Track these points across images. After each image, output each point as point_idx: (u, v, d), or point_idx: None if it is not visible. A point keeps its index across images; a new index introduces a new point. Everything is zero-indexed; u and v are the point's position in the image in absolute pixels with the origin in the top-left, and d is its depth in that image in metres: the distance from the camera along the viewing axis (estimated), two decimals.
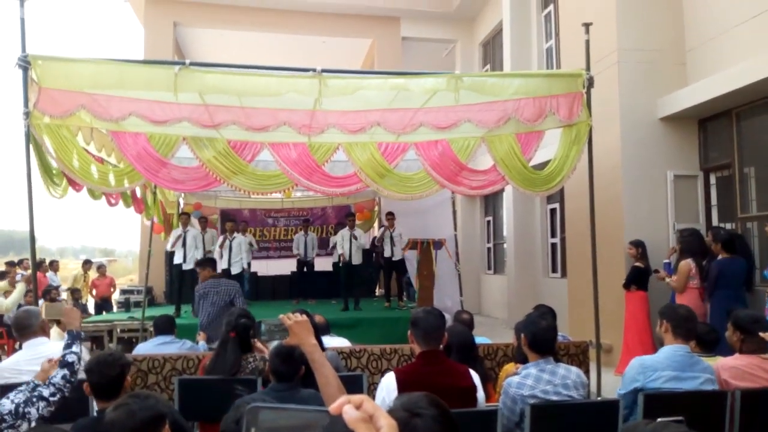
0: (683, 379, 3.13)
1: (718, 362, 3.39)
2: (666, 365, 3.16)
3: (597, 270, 5.34)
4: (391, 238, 9.49)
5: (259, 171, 5.41)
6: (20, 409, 2.54)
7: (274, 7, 12.98)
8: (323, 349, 3.89)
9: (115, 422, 1.91)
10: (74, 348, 2.90)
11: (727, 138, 6.90)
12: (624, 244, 6.96)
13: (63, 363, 2.84)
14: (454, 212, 9.77)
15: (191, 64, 4.81)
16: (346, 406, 0.69)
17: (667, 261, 6.72)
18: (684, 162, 7.30)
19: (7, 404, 2.49)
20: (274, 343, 2.85)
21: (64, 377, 2.78)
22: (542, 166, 5.80)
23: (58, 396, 2.77)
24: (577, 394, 3.01)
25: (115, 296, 11.83)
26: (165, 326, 4.89)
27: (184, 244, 8.91)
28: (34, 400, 2.64)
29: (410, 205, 10.06)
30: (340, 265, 9.80)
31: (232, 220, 10.00)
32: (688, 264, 5.87)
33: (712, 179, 7.27)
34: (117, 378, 2.59)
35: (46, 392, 2.68)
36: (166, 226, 9.52)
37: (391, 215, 9.59)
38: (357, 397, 0.70)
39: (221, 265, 9.36)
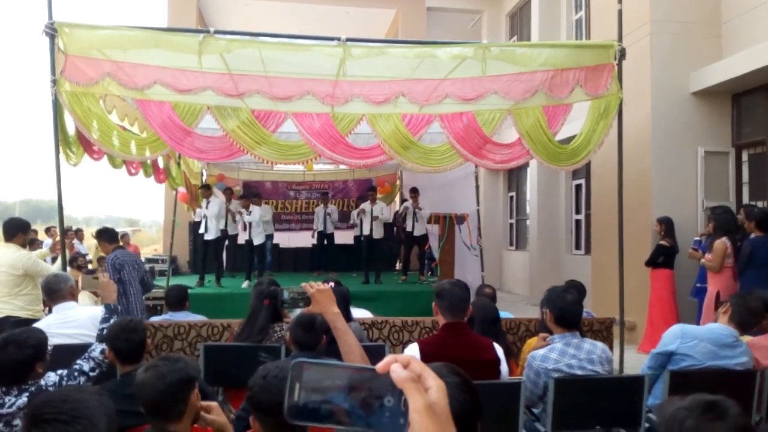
0: (720, 357, 3.08)
1: (749, 340, 3.33)
2: (706, 337, 3.11)
3: (623, 247, 5.26)
4: (414, 213, 9.44)
5: (282, 141, 5.40)
6: (63, 382, 2.62)
7: None
8: (350, 319, 3.92)
9: (146, 383, 1.93)
10: (112, 322, 2.94)
11: (761, 114, 6.68)
12: (651, 221, 6.84)
13: (101, 337, 2.90)
14: (477, 187, 9.66)
15: (216, 32, 4.77)
16: (393, 365, 0.67)
17: (697, 239, 6.58)
18: (715, 138, 7.10)
19: (52, 377, 2.56)
20: (297, 312, 2.86)
21: (102, 351, 2.83)
22: (569, 140, 5.69)
23: (97, 371, 2.87)
24: (602, 369, 2.99)
25: None
26: (176, 300, 4.69)
27: (205, 216, 8.98)
28: (75, 374, 2.74)
29: (433, 180, 10.00)
30: (362, 238, 9.81)
31: (243, 196, 10.00)
32: (723, 243, 5.71)
33: (744, 156, 7.07)
34: (141, 342, 2.68)
35: (86, 366, 2.76)
36: (190, 197, 9.60)
37: (414, 191, 9.53)
38: (404, 357, 0.68)
39: (244, 236, 9.44)
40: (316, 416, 0.66)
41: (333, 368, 0.68)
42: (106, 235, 5.40)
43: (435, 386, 0.67)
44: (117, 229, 6.07)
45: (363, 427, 0.66)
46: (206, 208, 8.94)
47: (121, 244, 5.68)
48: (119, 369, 2.70)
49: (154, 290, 8.58)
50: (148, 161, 6.81)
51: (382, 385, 0.66)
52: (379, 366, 0.67)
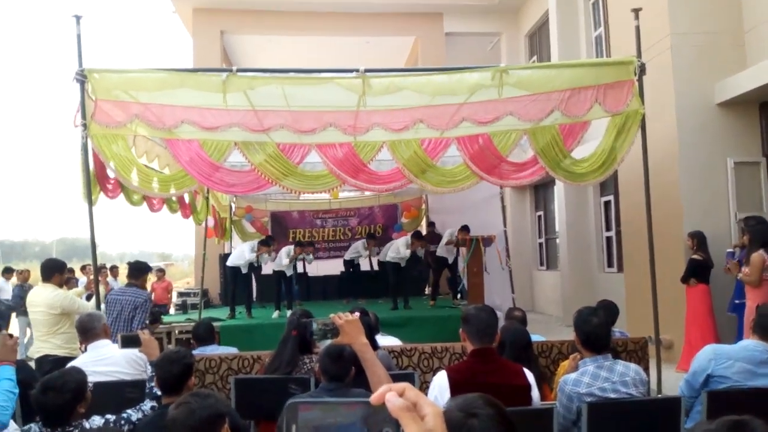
0: (757, 375, 2.98)
1: None
2: (741, 356, 3.02)
3: (655, 263, 5.16)
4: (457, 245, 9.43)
5: (307, 172, 5.50)
6: (109, 425, 2.65)
7: (318, 10, 13.12)
8: (377, 347, 3.91)
9: (176, 420, 1.96)
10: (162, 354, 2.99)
11: None
12: (683, 236, 6.70)
13: (153, 396, 2.95)
14: (504, 207, 9.62)
15: (238, 70, 4.91)
16: (388, 394, 0.67)
17: (730, 251, 6.41)
18: (745, 148, 6.96)
19: (97, 420, 2.59)
20: (326, 343, 2.87)
21: (152, 408, 2.88)
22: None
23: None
24: (636, 391, 2.91)
25: (173, 299, 12.22)
26: (205, 335, 4.78)
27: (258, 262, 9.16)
28: (122, 423, 2.76)
29: (459, 202, 9.99)
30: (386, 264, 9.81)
31: (310, 244, 10.21)
32: (761, 255, 5.53)
33: None
34: (180, 375, 2.70)
35: (134, 417, 2.79)
36: (219, 230, 9.76)
37: (465, 229, 9.46)
38: (399, 385, 0.69)
39: (272, 266, 9.53)
40: None
41: (331, 406, 0.68)
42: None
43: (431, 413, 0.67)
44: (152, 264, 6.21)
45: None
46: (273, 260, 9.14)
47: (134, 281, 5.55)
48: (163, 400, 2.75)
49: (185, 324, 8.73)
50: (173, 197, 6.96)
51: (381, 417, 0.66)
52: (373, 398, 0.67)
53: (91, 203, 4.98)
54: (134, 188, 5.37)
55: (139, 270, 5.48)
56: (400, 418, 0.65)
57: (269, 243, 9.23)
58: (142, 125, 4.95)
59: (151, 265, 6.35)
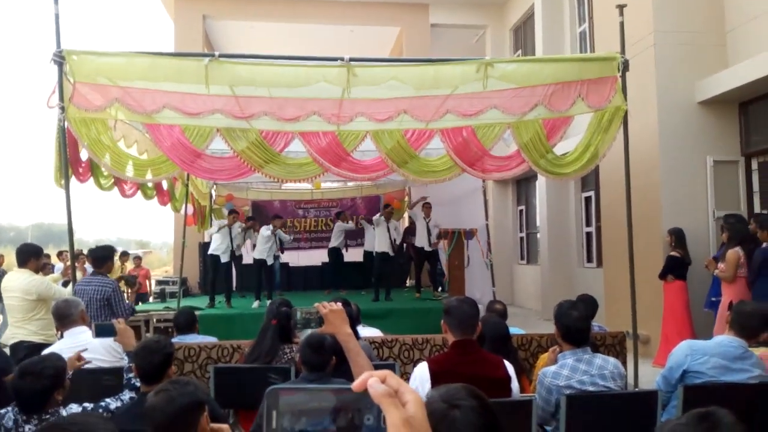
0: (733, 371, 3.02)
1: (761, 353, 3.28)
2: (716, 352, 3.07)
3: (634, 259, 5.22)
4: (428, 228, 9.43)
5: (290, 159, 5.47)
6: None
7: None
8: (358, 338, 3.90)
9: (156, 407, 1.93)
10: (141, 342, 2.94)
11: None
12: (662, 233, 6.79)
13: (131, 387, 2.91)
14: (486, 202, 9.66)
15: (221, 55, 4.83)
16: (370, 380, 0.66)
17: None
18: (724, 147, 7.07)
19: (75, 408, 2.55)
20: (308, 332, 2.85)
21: (131, 398, 2.84)
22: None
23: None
24: (614, 385, 2.94)
25: (152, 287, 12.09)
26: (186, 324, 4.68)
27: (231, 240, 9.03)
28: (101, 411, 2.71)
29: (441, 195, 10.02)
30: (374, 254, 9.82)
31: (278, 217, 10.09)
32: (736, 252, 5.65)
33: (754, 164, 7.02)
34: (160, 365, 2.66)
35: (113, 405, 2.75)
36: (198, 218, 9.65)
37: (428, 205, 9.55)
38: (381, 373, 0.68)
39: (253, 255, 9.48)
40: None
41: (313, 392, 0.67)
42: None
43: (412, 400, 0.67)
44: (130, 251, 6.06)
45: None
46: (230, 231, 9.00)
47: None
48: (142, 388, 2.71)
49: (164, 313, 8.64)
50: (149, 183, 6.84)
51: (362, 403, 0.66)
52: (355, 384, 0.66)
53: (68, 187, 4.89)
54: (114, 173, 5.27)
55: (102, 257, 5.17)
56: (382, 404, 0.65)
57: (254, 218, 9.25)
58: (122, 109, 4.85)
59: (128, 252, 6.23)
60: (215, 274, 9.19)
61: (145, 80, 4.80)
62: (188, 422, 1.94)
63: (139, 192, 6.99)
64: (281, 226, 9.82)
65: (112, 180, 6.01)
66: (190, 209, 9.32)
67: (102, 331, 3.23)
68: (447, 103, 5.13)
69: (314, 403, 0.66)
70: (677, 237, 6.54)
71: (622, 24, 5.23)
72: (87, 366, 3.56)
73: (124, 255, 12.44)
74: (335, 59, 4.85)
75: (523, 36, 13.27)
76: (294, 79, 4.78)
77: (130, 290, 6.69)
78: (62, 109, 4.72)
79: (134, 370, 2.74)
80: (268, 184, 12.32)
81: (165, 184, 7.84)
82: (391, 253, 9.57)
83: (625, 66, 5.13)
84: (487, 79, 4.93)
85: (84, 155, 5.35)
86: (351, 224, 11.32)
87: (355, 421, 0.65)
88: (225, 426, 2.18)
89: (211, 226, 9.56)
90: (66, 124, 4.76)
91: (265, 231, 9.31)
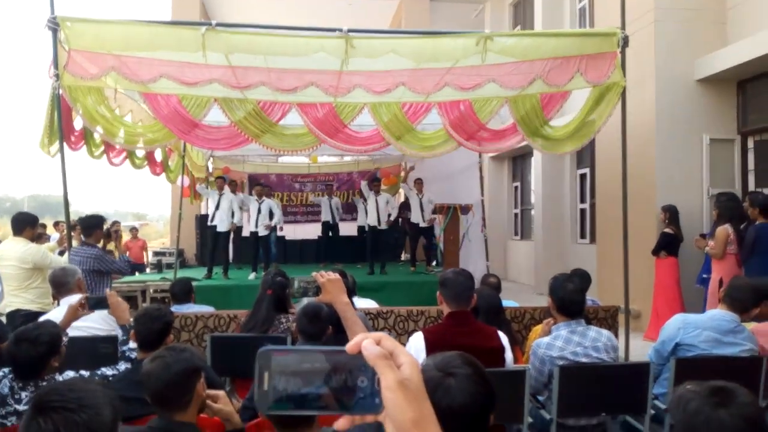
0: (724, 344, 3.08)
1: (753, 327, 3.33)
2: (708, 326, 3.12)
3: (627, 235, 5.25)
4: (420, 203, 9.44)
5: (287, 130, 5.45)
6: None
7: None
8: (354, 309, 3.93)
9: (151, 374, 1.94)
10: (131, 344, 2.94)
11: (767, 100, 6.64)
12: (656, 210, 6.82)
13: (126, 358, 2.91)
14: (482, 177, 9.67)
15: (218, 24, 4.77)
16: (365, 341, 0.65)
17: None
18: (721, 125, 7.06)
19: (71, 375, 2.56)
20: (305, 301, 2.88)
21: (126, 368, 2.85)
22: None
23: None
24: (607, 356, 2.99)
25: (148, 258, 12.09)
26: (181, 293, 4.65)
27: (217, 207, 9.03)
28: (96, 378, 2.71)
29: (437, 171, 10.02)
30: (366, 229, 9.84)
31: (260, 184, 10.04)
32: (725, 230, 5.70)
33: (750, 143, 7.03)
34: (159, 332, 2.68)
35: (109, 373, 2.76)
36: (191, 190, 9.63)
37: (419, 181, 9.54)
38: (376, 335, 0.67)
39: (249, 228, 9.48)
40: (295, 403, 0.64)
41: (305, 353, 0.65)
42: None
43: (407, 362, 0.66)
44: (126, 223, 6.02)
45: (341, 410, 0.65)
46: (219, 199, 8.99)
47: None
48: (138, 354, 2.73)
49: (160, 283, 8.67)
50: (138, 152, 6.79)
51: (356, 365, 0.65)
52: (349, 346, 0.65)
53: (63, 155, 4.85)
54: (109, 141, 5.22)
55: (90, 225, 5.09)
56: (377, 366, 0.64)
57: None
58: (119, 78, 4.79)
59: (125, 224, 6.21)
60: (214, 246, 9.22)
61: (141, 49, 4.73)
62: (184, 388, 1.96)
63: (128, 161, 6.90)
64: (266, 195, 9.70)
65: (103, 148, 5.96)
66: (186, 181, 9.28)
67: (95, 304, 3.20)
68: (445, 77, 5.09)
69: (307, 364, 0.64)
70: (671, 214, 6.57)
71: (623, 0, 5.18)
72: (83, 334, 3.59)
73: (115, 223, 12.20)
74: (333, 30, 4.79)
75: (522, 12, 13.12)
76: (293, 49, 4.72)
77: (116, 245, 6.64)
78: (56, 76, 4.66)
79: (132, 336, 2.76)
80: (265, 157, 12.27)
81: (159, 155, 7.77)
82: (380, 227, 9.57)
83: (625, 42, 5.08)
84: (486, 52, 4.88)
85: (78, 123, 5.30)
86: (333, 199, 11.19)
87: (348, 383, 0.64)
88: (221, 392, 2.21)
89: (205, 199, 9.53)
90: (60, 91, 4.71)
91: (243, 199, 9.33)
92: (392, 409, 0.63)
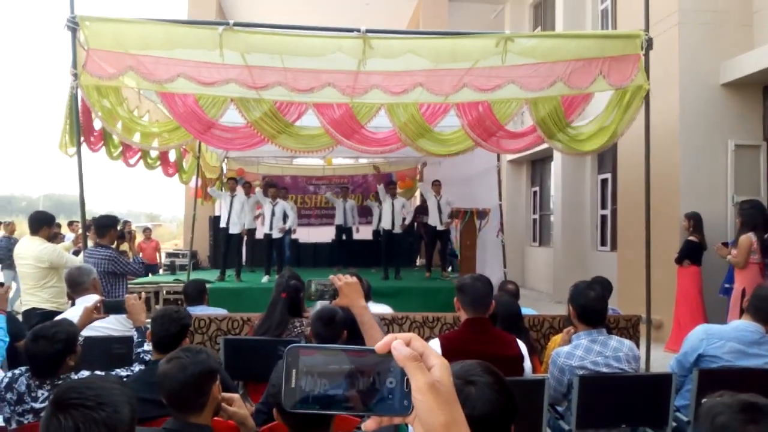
0: (749, 356, 2.97)
1: None
2: (732, 337, 3.01)
3: (650, 243, 5.13)
4: (438, 205, 9.33)
5: (303, 130, 5.44)
6: None
7: None
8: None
9: (168, 375, 1.92)
10: (146, 347, 2.93)
11: None
12: (680, 217, 6.68)
13: (141, 360, 2.91)
14: (500, 182, 9.56)
15: (235, 24, 4.75)
16: (395, 342, 0.63)
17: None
18: (746, 131, 6.91)
19: (86, 374, 2.54)
20: (319, 305, 2.82)
21: (141, 370, 2.83)
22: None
23: None
24: (628, 367, 2.90)
25: (162, 260, 12.15)
26: (195, 294, 4.61)
27: (230, 209, 9.02)
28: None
29: (455, 174, 9.93)
30: (381, 233, 9.76)
31: (274, 185, 10.02)
32: (749, 238, 5.56)
33: None
34: (176, 334, 2.66)
35: (123, 374, 2.75)
36: (203, 191, 9.63)
37: (437, 182, 9.44)
38: (405, 335, 0.65)
39: (263, 230, 9.45)
40: (321, 403, 0.63)
41: (333, 352, 0.64)
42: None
43: (438, 364, 0.64)
44: (139, 224, 6.01)
45: (368, 412, 0.63)
46: (232, 200, 8.98)
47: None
48: (153, 356, 2.71)
49: (172, 284, 8.69)
50: (151, 153, 6.79)
51: (384, 366, 0.63)
52: (379, 346, 0.64)
53: (80, 154, 4.86)
54: (126, 141, 5.23)
55: (104, 226, 5.00)
56: (407, 367, 0.62)
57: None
58: (136, 78, 4.79)
59: (138, 225, 6.21)
60: (227, 248, 9.21)
61: (159, 48, 4.74)
62: (200, 390, 1.94)
63: (141, 162, 6.90)
64: (281, 197, 9.66)
65: (121, 149, 5.98)
66: (198, 182, 9.29)
67: (111, 308, 3.17)
68: (464, 78, 5.03)
69: (334, 365, 0.63)
70: (695, 221, 6.43)
71: (647, 1, 5.07)
72: (97, 334, 3.57)
73: (127, 223, 12.09)
74: (351, 30, 4.75)
75: (542, 13, 13.01)
76: (310, 49, 4.69)
77: (129, 245, 6.60)
78: (75, 76, 4.67)
79: (149, 337, 2.73)
80: (280, 159, 12.28)
81: (173, 156, 7.78)
82: (395, 231, 9.48)
83: (649, 44, 4.98)
84: (506, 53, 4.81)
85: (97, 124, 5.32)
86: (347, 202, 11.12)
87: (376, 385, 0.63)
88: (236, 395, 2.17)
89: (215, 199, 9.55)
90: (78, 91, 4.72)
91: (259, 199, 9.35)
92: (423, 413, 0.62)
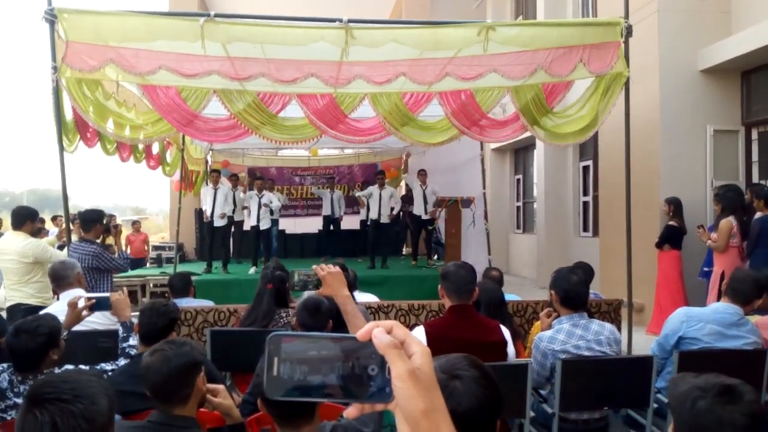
0: (727, 337, 3.05)
1: (756, 320, 3.30)
2: (711, 319, 3.09)
3: (631, 228, 5.21)
4: (424, 195, 9.37)
5: (287, 121, 5.42)
6: None
7: None
8: (354, 302, 3.91)
9: (151, 367, 1.92)
10: (131, 341, 2.92)
11: None
12: (660, 202, 6.78)
13: (126, 355, 2.90)
14: (483, 170, 9.61)
15: (216, 15, 4.71)
16: (376, 330, 0.64)
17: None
18: (725, 116, 7.01)
19: (70, 369, 2.54)
20: (305, 295, 2.85)
21: (125, 363, 2.82)
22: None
23: None
24: (610, 350, 2.96)
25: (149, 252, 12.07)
26: (180, 287, 4.61)
27: (214, 201, 8.98)
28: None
29: (439, 163, 9.97)
30: (368, 223, 9.79)
31: (259, 178, 9.98)
32: (729, 222, 5.66)
33: (754, 134, 6.98)
34: (163, 328, 2.65)
35: (108, 368, 2.74)
36: (186, 184, 9.56)
37: (423, 172, 9.47)
38: (386, 323, 0.66)
39: (250, 222, 9.43)
40: (303, 391, 0.63)
41: (315, 339, 0.65)
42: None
43: (418, 351, 0.65)
44: (126, 218, 5.98)
45: (350, 399, 0.64)
46: (215, 192, 8.94)
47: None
48: (140, 348, 2.70)
49: (159, 277, 8.65)
50: (139, 146, 6.76)
51: (366, 353, 0.64)
52: (360, 333, 0.64)
53: (62, 150, 4.81)
54: (120, 138, 5.20)
55: (90, 220, 5.01)
56: (387, 355, 0.63)
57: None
58: (118, 70, 4.75)
59: (124, 218, 6.18)
60: (213, 240, 9.18)
61: (139, 41, 4.68)
62: (184, 382, 1.94)
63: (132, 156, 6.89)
64: (267, 188, 9.65)
65: (116, 144, 5.94)
66: (178, 175, 9.21)
67: (97, 306, 3.17)
68: (446, 67, 5.05)
69: (315, 352, 0.64)
70: (675, 206, 6.52)
71: None
72: (83, 329, 3.56)
73: (112, 216, 11.89)
74: (333, 20, 4.74)
75: (524, 1, 13.02)
76: (292, 39, 4.67)
77: (115, 239, 6.54)
78: (54, 69, 4.61)
79: (136, 329, 2.73)
80: (265, 150, 12.23)
81: (155, 148, 7.72)
82: (382, 221, 9.52)
83: (629, 31, 5.03)
84: (488, 42, 4.83)
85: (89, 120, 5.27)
86: (335, 193, 11.11)
87: (357, 372, 0.64)
88: (221, 386, 2.18)
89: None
90: (58, 84, 4.66)
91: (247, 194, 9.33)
92: (403, 400, 0.62)
